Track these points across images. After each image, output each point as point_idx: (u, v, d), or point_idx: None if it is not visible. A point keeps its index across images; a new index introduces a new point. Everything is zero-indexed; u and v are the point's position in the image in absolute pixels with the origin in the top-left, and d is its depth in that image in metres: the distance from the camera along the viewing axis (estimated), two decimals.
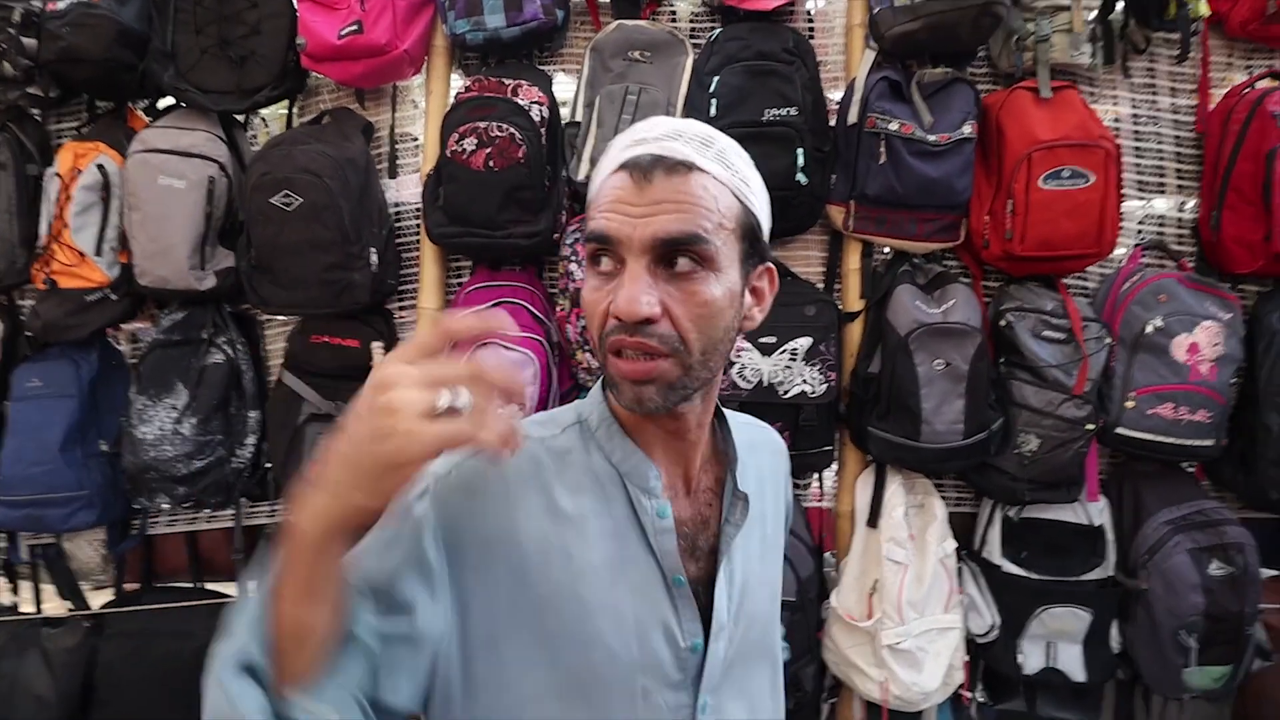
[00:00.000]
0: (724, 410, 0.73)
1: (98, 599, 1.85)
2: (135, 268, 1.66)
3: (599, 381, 0.68)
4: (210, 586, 1.87)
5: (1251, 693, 1.55)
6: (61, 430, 1.65)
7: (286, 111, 1.82)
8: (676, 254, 0.58)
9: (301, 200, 1.52)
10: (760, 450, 0.77)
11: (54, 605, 1.85)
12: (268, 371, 1.79)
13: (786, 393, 1.53)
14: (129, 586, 1.87)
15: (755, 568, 0.70)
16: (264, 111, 1.86)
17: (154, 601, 1.78)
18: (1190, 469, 1.71)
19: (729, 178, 0.60)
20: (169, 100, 1.78)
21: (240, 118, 1.81)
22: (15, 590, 1.89)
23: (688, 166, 0.58)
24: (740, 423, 0.75)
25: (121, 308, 1.73)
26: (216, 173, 1.66)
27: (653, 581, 0.63)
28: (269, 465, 1.69)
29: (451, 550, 0.60)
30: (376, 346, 1.62)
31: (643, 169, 0.58)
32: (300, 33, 1.60)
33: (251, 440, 1.69)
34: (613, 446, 0.65)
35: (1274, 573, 1.81)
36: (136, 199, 1.63)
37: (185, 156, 1.64)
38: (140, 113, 1.86)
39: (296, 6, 1.61)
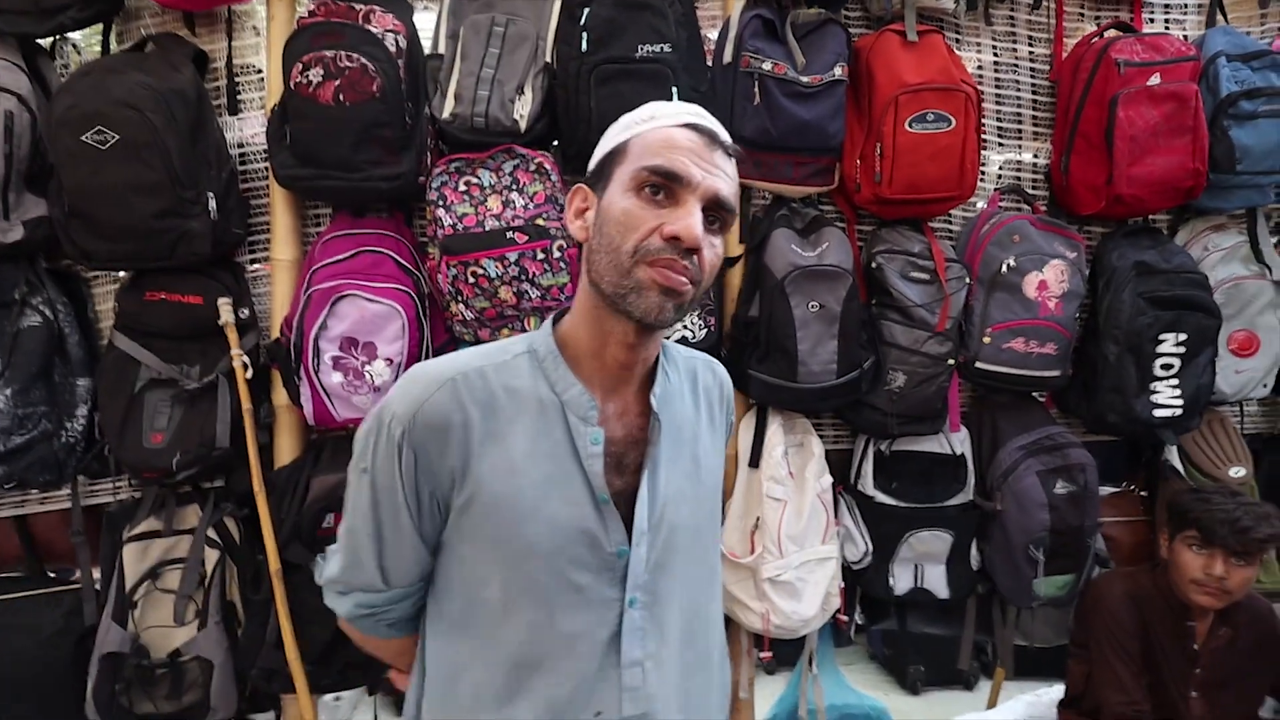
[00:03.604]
0: (668, 345, 0.86)
1: None
2: None
3: (550, 318, 0.81)
4: (52, 574, 1.70)
5: (1091, 596, 1.71)
6: None
7: (102, 38, 1.59)
8: (717, 211, 0.74)
9: (118, 137, 1.34)
10: (703, 380, 0.88)
11: None
12: (99, 334, 1.60)
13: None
14: None
15: (682, 484, 0.80)
16: (75, 38, 1.63)
17: None
18: (1041, 399, 1.85)
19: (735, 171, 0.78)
20: None
21: (45, 44, 1.57)
22: None
23: (732, 154, 0.76)
24: (684, 355, 0.89)
25: None
26: (15, 106, 1.43)
27: (582, 498, 0.74)
28: (105, 438, 1.52)
29: (426, 476, 0.74)
30: (224, 303, 1.48)
31: (712, 137, 0.74)
32: None
33: (82, 411, 1.51)
34: (557, 377, 0.76)
35: (1111, 489, 2.00)
36: None
37: None
38: None
39: None
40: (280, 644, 1.44)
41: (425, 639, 0.80)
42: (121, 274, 1.58)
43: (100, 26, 1.58)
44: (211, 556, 1.49)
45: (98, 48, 1.62)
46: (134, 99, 1.36)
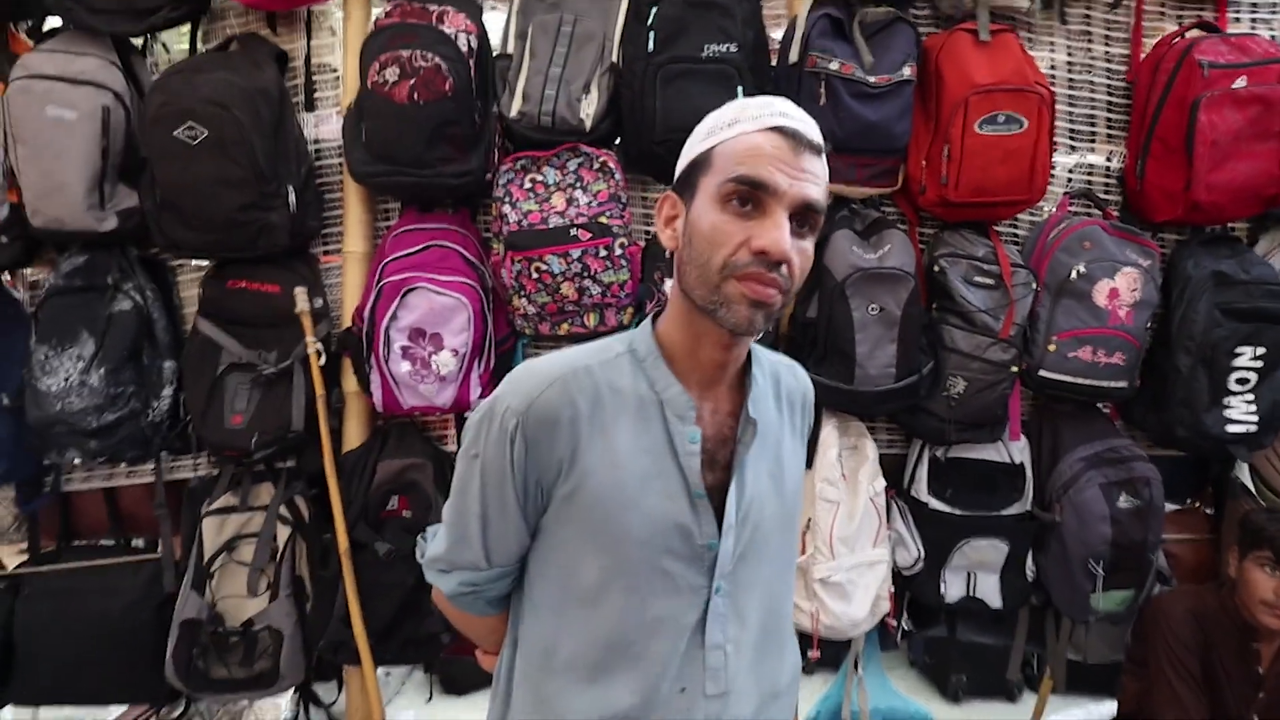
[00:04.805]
0: (755, 347, 0.87)
1: (12, 559, 1.77)
2: (26, 207, 1.52)
3: (648, 317, 0.84)
4: (136, 543, 1.80)
5: (1151, 613, 1.67)
6: None
7: (189, 37, 1.67)
8: (806, 215, 0.73)
9: (207, 133, 1.41)
10: (785, 384, 0.90)
11: None
12: (182, 319, 1.69)
13: None
14: (46, 546, 1.78)
15: (766, 482, 0.83)
16: (165, 38, 1.71)
17: (73, 560, 1.71)
18: (1105, 409, 1.80)
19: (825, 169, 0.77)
20: (56, 22, 1.61)
21: (138, 44, 1.66)
22: None
23: (821, 151, 0.75)
24: (770, 359, 0.90)
25: (13, 252, 1.60)
26: (112, 102, 1.52)
27: (679, 492, 0.78)
28: (188, 417, 1.61)
29: (534, 465, 0.77)
30: (300, 292, 1.55)
31: (798, 139, 0.72)
32: None
33: (168, 391, 1.60)
34: (656, 376, 0.79)
35: (1175, 506, 1.94)
36: (22, 130, 1.49)
37: (75, 84, 1.50)
38: (23, 35, 1.68)
39: None
40: (346, 618, 1.51)
41: (520, 616, 0.85)
42: (204, 262, 1.67)
43: (188, 26, 1.66)
44: (283, 532, 1.57)
45: (185, 45, 1.70)
46: (222, 97, 1.43)
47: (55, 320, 1.55)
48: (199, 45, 1.68)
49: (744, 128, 0.74)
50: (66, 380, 1.52)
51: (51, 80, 1.49)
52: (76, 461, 1.58)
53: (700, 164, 0.76)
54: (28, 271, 1.76)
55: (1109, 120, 1.78)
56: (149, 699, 1.71)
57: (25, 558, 1.75)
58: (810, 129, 0.75)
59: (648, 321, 0.84)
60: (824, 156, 0.76)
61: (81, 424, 1.52)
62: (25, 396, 1.54)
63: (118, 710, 1.77)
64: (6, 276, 1.73)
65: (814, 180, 0.73)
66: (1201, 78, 1.56)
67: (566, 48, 1.54)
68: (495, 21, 1.63)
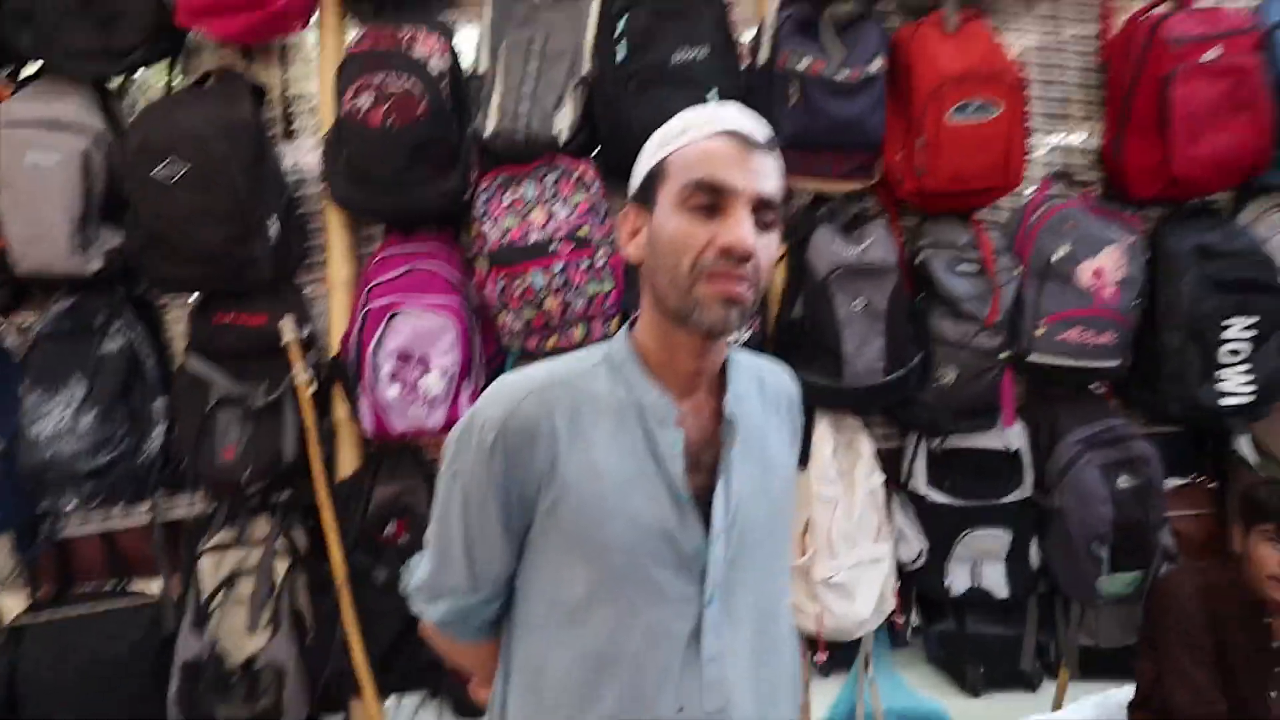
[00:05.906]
0: (733, 350, 0.86)
1: (13, 607, 1.76)
2: (12, 253, 1.53)
3: (625, 324, 0.83)
4: (135, 586, 1.79)
5: (1160, 593, 1.65)
6: None
7: (167, 76, 1.68)
8: (765, 210, 0.74)
9: (187, 168, 1.42)
10: (769, 385, 0.89)
11: None
12: (171, 357, 1.69)
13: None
14: (46, 592, 1.77)
15: (753, 483, 0.81)
16: (142, 77, 1.72)
17: (74, 604, 1.70)
18: (1099, 390, 1.80)
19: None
20: (35, 67, 1.63)
21: (115, 84, 1.67)
22: None
23: (772, 148, 0.76)
24: (750, 361, 0.89)
25: (2, 299, 1.61)
26: (90, 145, 1.53)
27: (662, 497, 0.76)
28: (181, 454, 1.60)
29: (515, 479, 0.76)
30: (286, 322, 1.55)
31: (747, 140, 0.74)
32: None
33: (159, 430, 1.59)
34: (634, 382, 0.79)
35: (1178, 482, 1.93)
36: (4, 178, 1.49)
37: (54, 129, 1.51)
38: (2, 81, 1.70)
39: None
40: (347, 649, 1.50)
41: (511, 641, 0.83)
42: (190, 298, 1.67)
43: (166, 66, 1.67)
44: (281, 566, 1.56)
45: (162, 83, 1.71)
46: (200, 131, 1.44)
47: (45, 365, 1.55)
48: (176, 83, 1.70)
49: (693, 135, 0.76)
50: (57, 425, 1.52)
51: (31, 127, 1.50)
52: (72, 505, 1.57)
53: (656, 175, 0.77)
54: (15, 319, 1.76)
55: (1084, 100, 1.79)
56: None
57: (26, 605, 1.74)
58: (758, 128, 0.76)
59: (624, 330, 0.83)
60: (776, 152, 0.77)
61: (74, 467, 1.52)
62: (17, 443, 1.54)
63: None
64: None
65: (768, 176, 0.75)
66: (1170, 54, 1.57)
67: (539, 64, 1.54)
68: (469, 39, 1.64)
